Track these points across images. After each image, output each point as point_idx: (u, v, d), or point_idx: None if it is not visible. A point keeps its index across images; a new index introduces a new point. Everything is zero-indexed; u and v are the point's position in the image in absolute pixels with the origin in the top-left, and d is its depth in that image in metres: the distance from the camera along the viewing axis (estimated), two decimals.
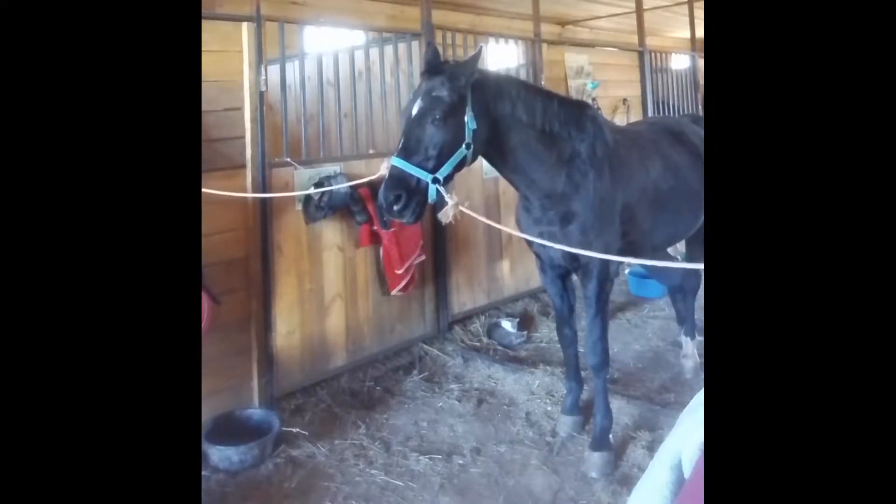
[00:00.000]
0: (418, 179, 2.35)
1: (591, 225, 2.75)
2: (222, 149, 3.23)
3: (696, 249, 3.80)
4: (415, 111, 2.42)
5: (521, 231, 2.99)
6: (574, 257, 2.75)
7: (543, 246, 2.79)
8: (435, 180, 2.37)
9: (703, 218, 3.43)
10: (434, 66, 2.50)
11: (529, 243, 3.02)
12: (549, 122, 2.68)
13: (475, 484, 2.80)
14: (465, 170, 2.57)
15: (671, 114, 6.40)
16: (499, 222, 4.65)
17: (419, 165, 2.36)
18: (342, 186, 3.46)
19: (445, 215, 2.44)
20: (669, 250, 4.24)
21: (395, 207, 2.35)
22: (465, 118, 2.43)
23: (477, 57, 2.52)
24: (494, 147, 2.61)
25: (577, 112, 2.82)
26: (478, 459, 2.98)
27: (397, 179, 2.35)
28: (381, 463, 2.96)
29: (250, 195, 3.27)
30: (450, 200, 2.40)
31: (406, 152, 2.37)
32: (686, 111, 6.68)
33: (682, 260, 4.41)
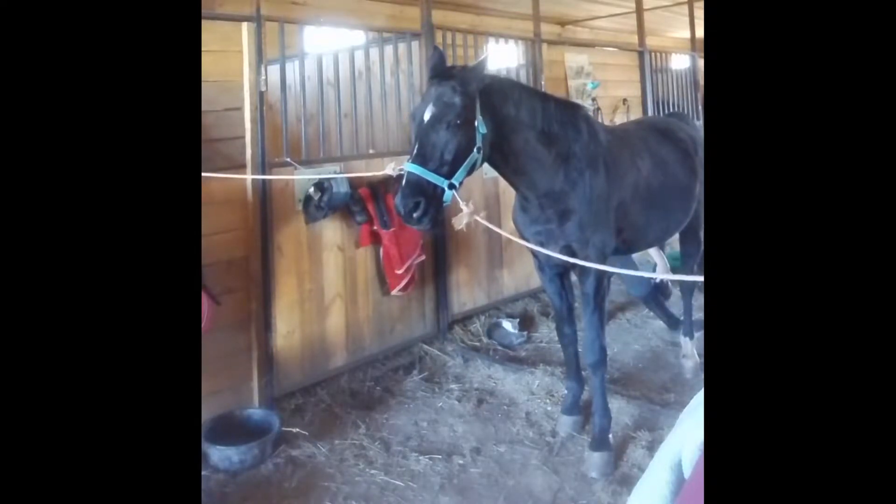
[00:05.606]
0: (435, 186, 2.35)
1: (588, 221, 2.79)
2: (222, 148, 3.23)
3: (692, 246, 3.81)
4: (427, 117, 2.40)
5: (518, 230, 3.00)
6: (571, 254, 2.77)
7: (541, 245, 2.81)
8: (451, 186, 2.38)
9: (692, 213, 3.46)
10: (442, 71, 2.50)
11: (528, 241, 3.03)
12: (549, 124, 2.72)
13: (475, 484, 2.80)
14: None
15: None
16: (498, 221, 4.66)
17: (435, 171, 2.36)
18: (342, 176, 3.47)
19: (459, 222, 2.44)
20: (652, 252, 4.23)
21: (415, 214, 2.34)
22: (476, 123, 2.44)
23: (485, 61, 2.54)
24: (499, 149, 2.62)
25: (573, 113, 2.88)
26: (478, 459, 2.98)
27: (415, 186, 2.33)
28: (381, 463, 2.96)
29: (250, 177, 3.27)
30: (465, 208, 2.40)
31: (422, 158, 2.36)
32: (686, 111, 6.67)
33: (668, 256, 4.47)
